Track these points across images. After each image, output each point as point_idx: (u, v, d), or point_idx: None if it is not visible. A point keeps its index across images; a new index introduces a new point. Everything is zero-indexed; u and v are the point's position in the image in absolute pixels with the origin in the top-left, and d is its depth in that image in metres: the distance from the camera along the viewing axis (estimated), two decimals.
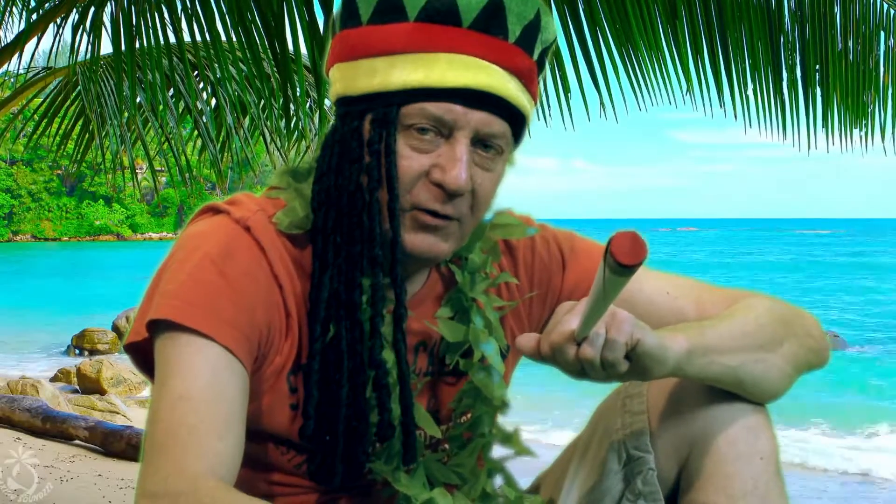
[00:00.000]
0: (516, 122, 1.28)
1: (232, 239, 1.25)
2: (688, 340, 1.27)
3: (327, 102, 4.63)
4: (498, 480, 1.42)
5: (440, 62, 1.22)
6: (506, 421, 1.42)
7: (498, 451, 1.42)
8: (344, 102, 1.28)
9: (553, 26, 1.32)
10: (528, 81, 1.28)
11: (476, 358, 1.36)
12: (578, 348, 1.20)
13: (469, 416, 1.39)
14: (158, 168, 5.58)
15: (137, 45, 3.40)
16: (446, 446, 1.40)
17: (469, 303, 1.38)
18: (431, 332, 1.37)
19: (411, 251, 1.26)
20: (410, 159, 1.24)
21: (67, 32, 3.76)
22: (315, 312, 1.25)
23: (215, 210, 1.30)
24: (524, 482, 1.50)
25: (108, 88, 4.65)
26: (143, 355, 1.25)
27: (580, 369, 1.22)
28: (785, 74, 3.66)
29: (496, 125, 1.25)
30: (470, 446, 1.38)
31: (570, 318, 1.21)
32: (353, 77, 1.26)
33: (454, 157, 1.23)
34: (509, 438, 1.40)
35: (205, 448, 1.11)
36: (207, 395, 1.14)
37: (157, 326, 1.19)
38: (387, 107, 1.23)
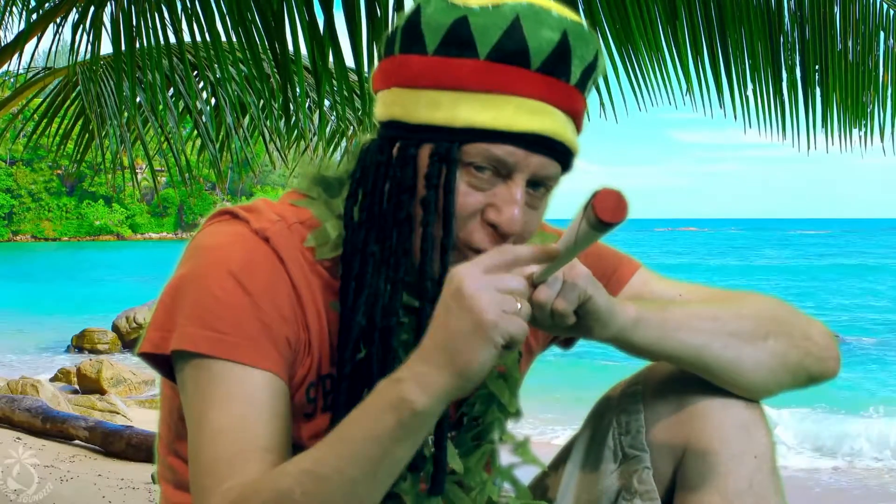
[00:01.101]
0: (567, 160, 1.28)
1: (252, 251, 1.24)
2: (637, 311, 1.27)
3: (327, 102, 4.64)
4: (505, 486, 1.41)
5: (509, 106, 1.22)
6: (515, 429, 1.41)
7: (505, 458, 1.41)
8: (398, 127, 1.27)
9: (604, 62, 1.32)
10: (580, 121, 1.29)
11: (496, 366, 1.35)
12: (533, 291, 1.18)
13: (478, 421, 1.38)
14: (158, 168, 5.59)
15: (137, 45, 3.40)
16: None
17: None
18: None
19: None
20: (467, 196, 1.23)
21: (67, 32, 3.76)
22: (347, 333, 1.25)
23: (233, 215, 1.30)
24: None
25: (108, 88, 4.65)
26: (158, 361, 1.26)
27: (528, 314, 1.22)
28: (785, 75, 3.66)
29: (552, 168, 1.25)
30: (478, 452, 1.37)
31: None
32: (413, 105, 1.25)
33: (511, 200, 1.23)
34: (520, 447, 1.40)
35: (246, 474, 1.15)
36: (246, 423, 1.17)
37: (185, 353, 1.20)
38: (449, 143, 1.23)
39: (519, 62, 1.22)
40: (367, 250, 1.26)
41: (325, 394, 1.30)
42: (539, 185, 1.26)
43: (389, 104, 1.28)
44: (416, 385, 1.07)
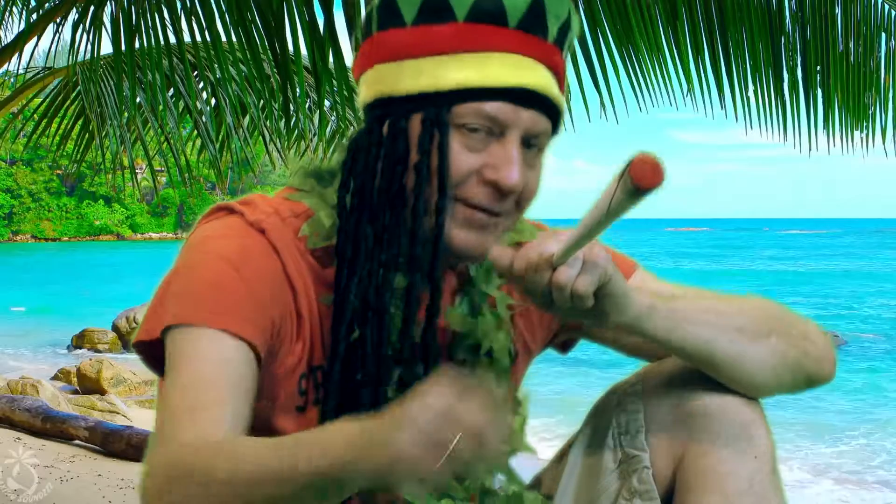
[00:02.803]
0: (555, 118, 1.29)
1: (246, 241, 1.25)
2: (651, 300, 1.27)
3: (327, 103, 4.64)
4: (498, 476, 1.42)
5: (493, 62, 1.23)
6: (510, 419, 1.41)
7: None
8: (384, 104, 1.27)
9: (579, 22, 1.33)
10: (561, 80, 1.30)
11: (483, 351, 1.36)
12: (553, 273, 1.19)
13: None
14: (158, 168, 5.59)
15: (137, 45, 3.40)
16: None
17: (482, 298, 1.38)
18: (443, 326, 1.37)
19: (457, 248, 1.26)
20: (462, 157, 1.24)
21: (67, 32, 3.76)
22: (340, 316, 1.25)
23: (229, 210, 1.30)
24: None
25: (108, 89, 4.65)
26: (151, 353, 1.25)
27: (548, 295, 1.21)
28: (786, 75, 3.66)
29: (542, 124, 1.26)
30: None
31: (551, 242, 1.20)
32: (396, 78, 1.26)
33: (507, 157, 1.23)
34: (514, 434, 1.39)
35: (210, 426, 1.11)
36: (216, 378, 1.15)
37: (172, 329, 1.20)
38: (439, 106, 1.23)
39: (497, 21, 1.23)
40: (359, 233, 1.26)
41: (315, 386, 1.30)
42: (532, 146, 1.26)
43: (372, 83, 1.29)
44: (361, 449, 0.96)
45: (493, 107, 1.23)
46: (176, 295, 1.21)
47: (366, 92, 1.30)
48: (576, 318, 1.26)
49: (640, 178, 1.03)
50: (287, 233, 1.28)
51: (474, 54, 1.23)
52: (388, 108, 1.27)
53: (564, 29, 1.28)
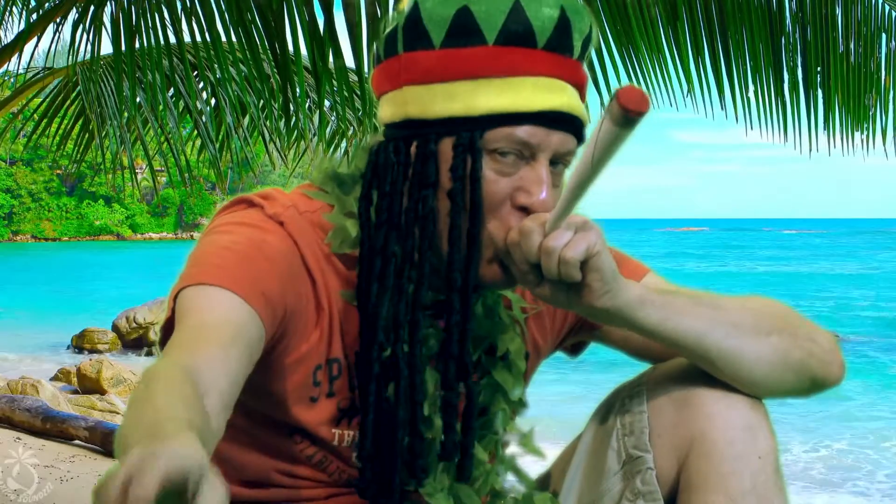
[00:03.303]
0: (581, 134, 1.30)
1: (266, 230, 1.26)
2: (642, 290, 1.27)
3: (327, 103, 4.64)
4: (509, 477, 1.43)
5: (525, 86, 1.23)
6: (521, 421, 1.43)
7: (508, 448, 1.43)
8: (415, 125, 1.27)
9: (598, 34, 1.34)
10: (584, 92, 1.31)
11: (499, 353, 1.37)
12: (544, 239, 1.19)
13: (484, 411, 1.39)
14: (158, 168, 5.58)
15: (137, 45, 3.40)
16: None
17: (495, 299, 1.38)
18: None
19: (483, 280, 1.28)
20: (495, 183, 1.24)
21: (67, 32, 3.76)
22: (371, 335, 1.26)
23: (248, 202, 1.31)
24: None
25: (108, 89, 4.65)
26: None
27: (535, 266, 1.21)
28: (786, 76, 3.66)
29: (570, 143, 1.27)
30: (482, 442, 1.38)
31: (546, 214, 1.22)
32: (429, 101, 1.26)
33: (539, 180, 1.24)
34: (525, 437, 1.41)
35: (201, 350, 1.08)
36: (220, 329, 1.12)
37: (186, 289, 1.19)
38: (471, 132, 1.23)
39: (526, 43, 1.23)
40: (387, 251, 1.26)
41: (331, 379, 1.31)
42: (558, 163, 1.27)
43: (402, 104, 1.28)
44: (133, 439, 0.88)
45: (524, 131, 1.23)
46: (195, 265, 1.21)
47: (391, 111, 1.30)
48: (562, 294, 1.24)
49: (627, 102, 1.04)
50: (306, 227, 1.29)
51: (506, 78, 1.23)
52: (418, 130, 1.27)
53: (586, 43, 1.29)
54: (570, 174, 1.15)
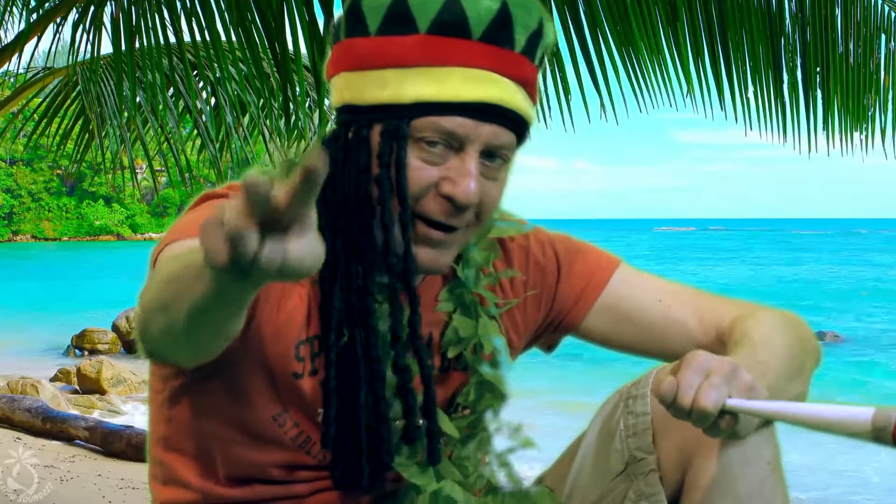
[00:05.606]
0: (521, 129, 1.29)
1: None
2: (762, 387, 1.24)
3: (327, 102, 4.64)
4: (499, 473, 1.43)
5: (453, 77, 1.23)
6: (506, 415, 1.44)
7: (500, 444, 1.44)
8: (350, 111, 1.29)
9: (553, 30, 1.33)
10: (532, 89, 1.30)
11: (487, 352, 1.38)
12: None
13: (469, 410, 1.40)
14: (158, 168, 5.58)
15: (137, 45, 3.40)
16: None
17: (472, 298, 1.39)
18: (431, 328, 1.39)
19: (416, 263, 1.28)
20: (420, 171, 1.25)
21: (67, 32, 3.76)
22: (327, 321, 1.27)
23: (215, 196, 1.32)
24: (524, 481, 1.50)
25: (108, 88, 4.65)
26: None
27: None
28: (786, 77, 3.66)
29: (504, 136, 1.26)
30: (475, 440, 1.39)
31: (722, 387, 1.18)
32: (361, 87, 1.27)
33: (464, 171, 1.24)
34: (516, 431, 1.42)
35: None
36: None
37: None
38: (398, 120, 1.24)
39: (460, 33, 1.23)
40: (336, 237, 1.27)
41: (313, 356, 1.31)
42: (494, 157, 1.27)
43: (340, 89, 1.30)
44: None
45: (450, 122, 1.23)
46: (164, 237, 1.24)
47: (335, 97, 1.32)
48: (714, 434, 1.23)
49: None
50: None
51: (436, 68, 1.24)
52: (353, 116, 1.28)
53: (534, 38, 1.28)
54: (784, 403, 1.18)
